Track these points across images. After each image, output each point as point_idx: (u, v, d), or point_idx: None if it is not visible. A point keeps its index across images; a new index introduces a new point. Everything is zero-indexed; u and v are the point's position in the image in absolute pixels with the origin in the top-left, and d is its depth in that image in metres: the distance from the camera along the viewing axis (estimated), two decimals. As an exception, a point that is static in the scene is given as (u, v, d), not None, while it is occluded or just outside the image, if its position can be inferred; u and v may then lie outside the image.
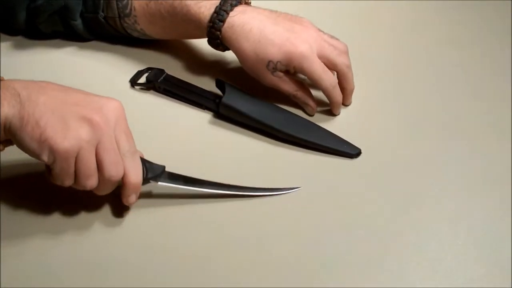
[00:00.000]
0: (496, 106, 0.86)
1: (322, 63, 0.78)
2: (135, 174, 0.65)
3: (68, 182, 0.63)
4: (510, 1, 1.07)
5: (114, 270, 0.64)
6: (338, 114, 0.83)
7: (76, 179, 0.62)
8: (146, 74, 0.86)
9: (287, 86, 0.80)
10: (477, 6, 1.07)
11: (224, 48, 0.82)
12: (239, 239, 0.67)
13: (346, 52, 0.82)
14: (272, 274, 0.64)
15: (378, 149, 0.78)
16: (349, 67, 0.81)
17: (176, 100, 0.84)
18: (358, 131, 0.80)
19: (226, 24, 0.79)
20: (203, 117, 0.82)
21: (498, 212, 0.71)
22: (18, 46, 0.91)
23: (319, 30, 0.81)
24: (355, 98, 0.84)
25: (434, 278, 0.64)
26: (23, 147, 0.61)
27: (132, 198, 0.66)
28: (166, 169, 0.70)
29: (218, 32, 0.79)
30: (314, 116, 0.82)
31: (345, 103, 0.83)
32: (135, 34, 0.88)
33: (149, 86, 0.85)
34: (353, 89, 0.83)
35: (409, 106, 0.85)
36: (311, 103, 0.82)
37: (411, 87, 0.89)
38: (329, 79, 0.79)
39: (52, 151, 0.59)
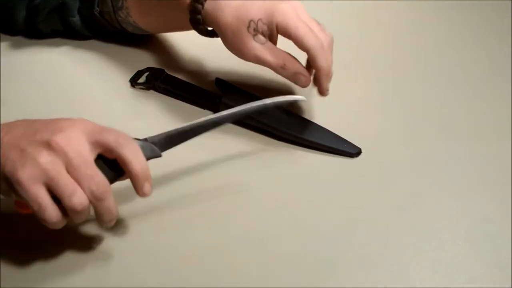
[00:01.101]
0: (496, 106, 0.86)
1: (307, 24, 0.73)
2: (138, 160, 0.59)
3: (51, 214, 0.56)
4: (510, 1, 1.07)
5: (113, 269, 0.63)
6: (327, 91, 0.76)
7: (63, 203, 0.57)
8: (146, 74, 0.86)
9: (272, 56, 0.73)
10: (477, 6, 1.07)
11: (209, 33, 0.79)
12: (237, 239, 0.67)
13: (330, 39, 0.75)
14: (271, 274, 0.64)
15: (378, 149, 0.78)
16: (330, 45, 0.74)
17: (176, 100, 0.84)
18: (358, 131, 0.80)
19: (207, 3, 0.75)
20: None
21: (498, 212, 0.71)
22: (18, 46, 0.91)
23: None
24: (355, 98, 0.84)
25: (434, 278, 0.64)
26: (2, 193, 0.58)
27: (146, 187, 0.60)
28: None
29: (200, 6, 0.75)
30: (314, 115, 0.82)
31: (319, 89, 0.76)
32: (129, 28, 0.88)
33: (149, 86, 0.85)
34: (329, 74, 0.75)
35: (409, 106, 0.85)
36: (303, 71, 0.74)
37: (410, 87, 0.89)
38: (315, 38, 0.72)
39: (15, 184, 0.55)
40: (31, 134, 0.58)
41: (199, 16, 0.76)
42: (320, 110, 0.82)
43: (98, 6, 0.87)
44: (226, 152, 0.77)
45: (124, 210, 0.68)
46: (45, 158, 0.56)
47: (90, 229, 0.67)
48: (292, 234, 0.68)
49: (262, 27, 0.73)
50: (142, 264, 0.64)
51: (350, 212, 0.70)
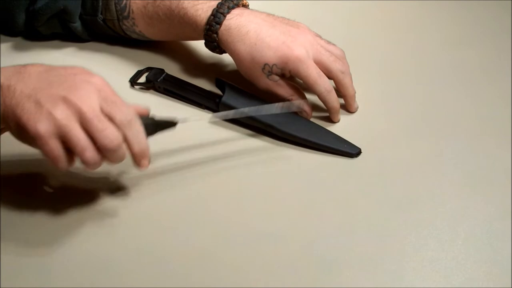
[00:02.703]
0: (496, 106, 0.85)
1: (318, 68, 0.78)
2: (137, 143, 0.63)
3: (63, 164, 0.61)
4: (510, 1, 1.07)
5: (113, 269, 0.63)
6: (338, 121, 0.81)
7: (77, 155, 0.61)
8: (145, 74, 0.86)
9: (282, 90, 0.80)
10: (477, 6, 1.07)
11: (221, 51, 0.82)
12: (236, 239, 0.67)
13: (343, 58, 0.81)
14: (272, 274, 0.64)
15: (378, 149, 0.78)
16: (344, 73, 0.80)
17: (176, 100, 0.84)
18: (358, 131, 0.80)
19: (222, 27, 0.79)
20: (203, 117, 0.82)
21: (498, 212, 0.70)
22: (18, 47, 0.91)
23: (316, 35, 0.81)
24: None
25: (434, 278, 0.64)
26: (15, 137, 0.62)
27: (143, 163, 0.65)
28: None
29: (215, 35, 0.79)
30: (314, 116, 0.82)
31: (349, 110, 0.82)
32: (134, 36, 0.89)
33: (148, 86, 0.85)
34: (354, 94, 0.82)
35: (409, 106, 0.85)
36: (306, 108, 0.81)
37: (411, 87, 0.89)
38: (324, 84, 0.78)
39: (31, 136, 0.59)
40: (46, 87, 0.61)
41: (215, 43, 0.81)
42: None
43: (101, 14, 0.87)
44: (226, 152, 0.77)
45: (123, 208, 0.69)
46: (61, 113, 0.59)
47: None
48: (292, 234, 0.68)
49: (276, 70, 0.78)
50: (142, 263, 0.64)
51: (350, 212, 0.70)
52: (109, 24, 0.88)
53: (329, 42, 0.81)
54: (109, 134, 0.61)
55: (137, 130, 0.64)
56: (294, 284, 0.63)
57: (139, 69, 0.87)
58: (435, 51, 0.96)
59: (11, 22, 0.89)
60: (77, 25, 0.89)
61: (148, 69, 0.87)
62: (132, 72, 0.87)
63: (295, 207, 0.71)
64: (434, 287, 0.63)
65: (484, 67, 0.93)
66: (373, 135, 0.80)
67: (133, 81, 0.86)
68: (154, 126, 0.67)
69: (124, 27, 0.87)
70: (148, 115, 0.67)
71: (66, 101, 0.60)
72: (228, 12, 0.79)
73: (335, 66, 0.79)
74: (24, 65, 0.63)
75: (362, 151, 0.77)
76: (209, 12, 0.79)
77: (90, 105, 0.61)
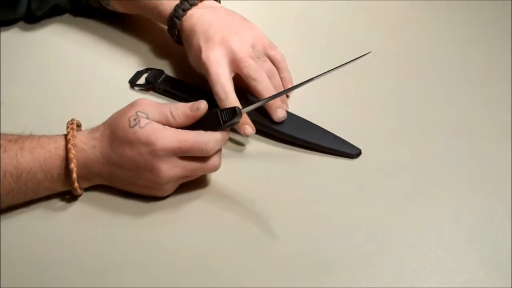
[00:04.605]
0: (496, 106, 0.85)
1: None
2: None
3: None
4: (510, 1, 1.07)
5: (114, 269, 0.64)
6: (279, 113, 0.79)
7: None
8: (145, 75, 0.87)
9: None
10: (477, 6, 1.07)
11: (179, 42, 0.85)
12: (236, 239, 0.67)
13: (282, 61, 0.82)
14: (272, 274, 0.64)
15: (378, 149, 0.78)
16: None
17: (176, 101, 0.84)
18: (358, 131, 0.80)
19: (186, 15, 0.82)
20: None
21: (498, 212, 0.70)
22: (17, 35, 0.92)
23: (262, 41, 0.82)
24: (355, 98, 0.84)
25: (434, 278, 0.64)
26: None
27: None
28: None
29: (177, 20, 0.82)
30: (314, 116, 0.82)
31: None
32: (110, 9, 0.93)
33: (148, 87, 0.85)
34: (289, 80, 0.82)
35: (409, 107, 0.85)
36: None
37: (410, 88, 0.89)
38: (255, 72, 0.78)
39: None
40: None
41: (175, 30, 0.84)
42: (320, 111, 0.82)
43: (84, 2, 0.94)
44: (225, 152, 0.77)
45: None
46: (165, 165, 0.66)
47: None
48: (292, 234, 0.68)
49: None
50: (144, 265, 0.64)
51: (350, 212, 0.70)
52: (94, 4, 0.94)
53: (271, 47, 0.82)
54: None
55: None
56: (294, 284, 0.63)
57: (139, 70, 0.87)
58: (435, 51, 0.96)
59: (14, 9, 0.92)
60: (68, 8, 0.96)
61: (147, 70, 0.87)
62: (131, 73, 0.87)
63: (295, 208, 0.71)
64: (434, 287, 0.63)
65: (484, 67, 0.93)
66: (373, 135, 0.80)
67: (133, 82, 0.86)
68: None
69: (108, 7, 0.93)
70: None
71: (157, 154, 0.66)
72: (194, 4, 0.83)
73: (272, 52, 0.81)
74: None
75: (362, 151, 0.77)
76: (176, 3, 0.83)
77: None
